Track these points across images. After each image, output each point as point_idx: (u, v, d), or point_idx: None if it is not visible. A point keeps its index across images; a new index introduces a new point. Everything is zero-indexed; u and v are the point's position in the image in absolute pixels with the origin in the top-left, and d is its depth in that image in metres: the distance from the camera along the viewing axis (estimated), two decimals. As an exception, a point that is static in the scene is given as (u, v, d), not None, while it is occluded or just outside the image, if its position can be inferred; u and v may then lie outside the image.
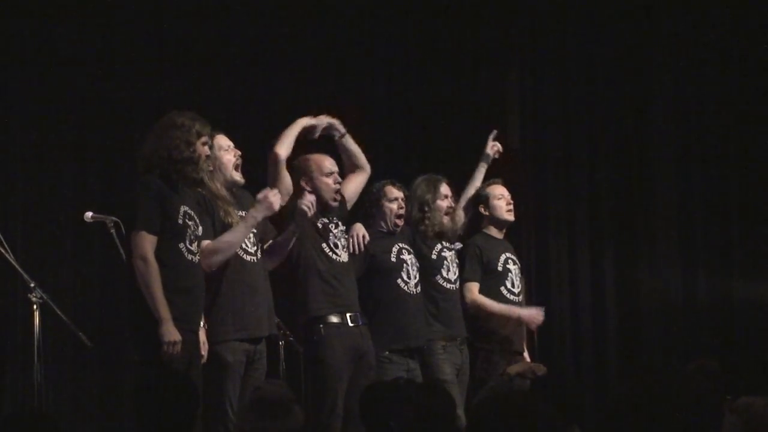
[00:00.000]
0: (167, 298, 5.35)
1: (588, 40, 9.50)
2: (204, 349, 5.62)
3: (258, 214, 5.79)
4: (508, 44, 9.52)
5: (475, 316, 7.12)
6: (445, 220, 7.02)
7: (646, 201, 9.46)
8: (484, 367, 7.09)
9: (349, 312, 6.23)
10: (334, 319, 6.18)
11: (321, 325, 6.15)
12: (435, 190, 7.00)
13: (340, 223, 6.41)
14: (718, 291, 9.27)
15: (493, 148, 7.35)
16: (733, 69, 9.39)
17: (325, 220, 6.32)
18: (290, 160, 6.34)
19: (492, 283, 7.21)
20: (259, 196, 5.83)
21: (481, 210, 7.34)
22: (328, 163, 6.35)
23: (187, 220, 5.50)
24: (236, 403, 5.70)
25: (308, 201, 6.06)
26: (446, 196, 7.05)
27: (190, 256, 5.48)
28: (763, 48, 9.30)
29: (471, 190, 7.33)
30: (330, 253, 6.26)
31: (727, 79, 9.40)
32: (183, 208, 5.50)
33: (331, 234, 6.31)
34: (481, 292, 7.15)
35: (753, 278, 9.21)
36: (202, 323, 5.62)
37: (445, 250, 7.02)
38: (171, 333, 5.28)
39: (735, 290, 9.25)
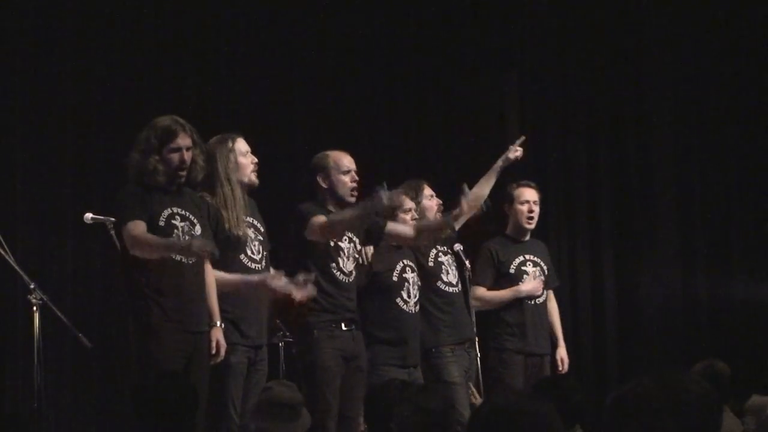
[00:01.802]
0: (155, 301, 5.38)
1: (587, 40, 9.50)
2: (219, 348, 5.58)
3: (183, 253, 5.42)
4: (507, 45, 9.52)
5: (488, 317, 7.13)
6: (438, 217, 7.00)
7: (646, 201, 9.47)
8: (496, 367, 7.09)
9: (344, 321, 6.22)
10: (329, 324, 6.18)
11: (314, 329, 6.15)
12: (417, 193, 6.90)
13: (355, 237, 6.35)
14: (718, 291, 9.28)
15: (515, 152, 7.10)
16: (732, 69, 9.40)
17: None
18: (310, 158, 6.37)
19: (504, 286, 7.21)
20: (195, 245, 5.39)
21: (505, 208, 7.33)
22: (347, 161, 6.30)
23: (172, 221, 5.48)
24: (239, 404, 5.71)
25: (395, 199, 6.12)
26: (431, 196, 7.01)
27: (178, 257, 5.47)
28: (763, 46, 9.30)
29: (485, 189, 7.15)
30: (337, 273, 6.21)
31: (727, 80, 9.41)
32: (168, 211, 5.49)
33: (342, 252, 6.27)
34: None
35: (753, 278, 9.21)
36: (219, 323, 5.61)
37: (440, 254, 6.99)
38: (189, 244, 5.28)
39: (735, 290, 9.26)
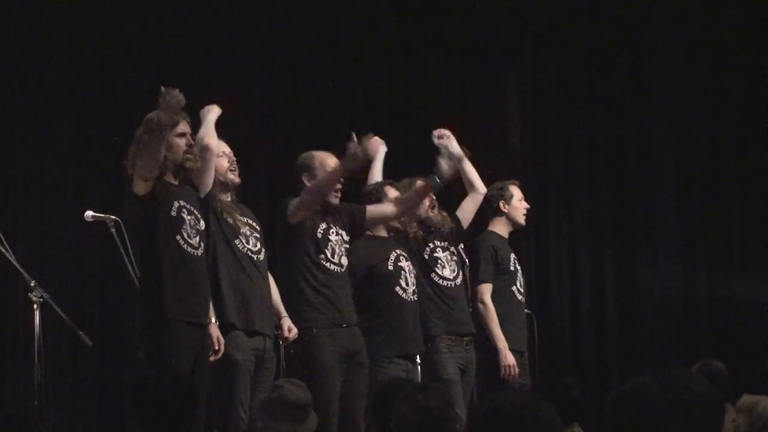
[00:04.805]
0: (171, 293, 5.35)
1: (588, 39, 9.51)
2: (219, 344, 5.60)
3: (163, 105, 5.42)
4: (508, 43, 9.52)
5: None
6: (432, 214, 6.98)
7: (646, 200, 9.47)
8: (490, 364, 7.08)
9: (342, 321, 6.22)
10: (326, 321, 6.18)
11: (313, 327, 6.15)
12: (410, 188, 6.86)
13: (341, 230, 6.35)
14: (718, 290, 9.28)
15: (446, 143, 7.07)
16: (732, 68, 9.40)
17: (325, 226, 6.29)
18: (294, 157, 6.35)
19: (505, 283, 7.17)
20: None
21: (501, 206, 7.24)
22: (332, 162, 6.30)
23: (182, 214, 5.47)
24: (247, 403, 5.70)
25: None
26: None
27: (189, 249, 5.46)
28: (763, 47, 9.31)
29: (480, 190, 7.18)
30: (326, 263, 6.21)
31: (727, 78, 9.42)
32: (177, 203, 5.48)
33: (329, 242, 6.27)
34: (494, 291, 7.10)
35: (753, 277, 9.22)
36: (213, 319, 5.61)
37: (438, 249, 6.96)
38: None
39: (735, 289, 9.26)
